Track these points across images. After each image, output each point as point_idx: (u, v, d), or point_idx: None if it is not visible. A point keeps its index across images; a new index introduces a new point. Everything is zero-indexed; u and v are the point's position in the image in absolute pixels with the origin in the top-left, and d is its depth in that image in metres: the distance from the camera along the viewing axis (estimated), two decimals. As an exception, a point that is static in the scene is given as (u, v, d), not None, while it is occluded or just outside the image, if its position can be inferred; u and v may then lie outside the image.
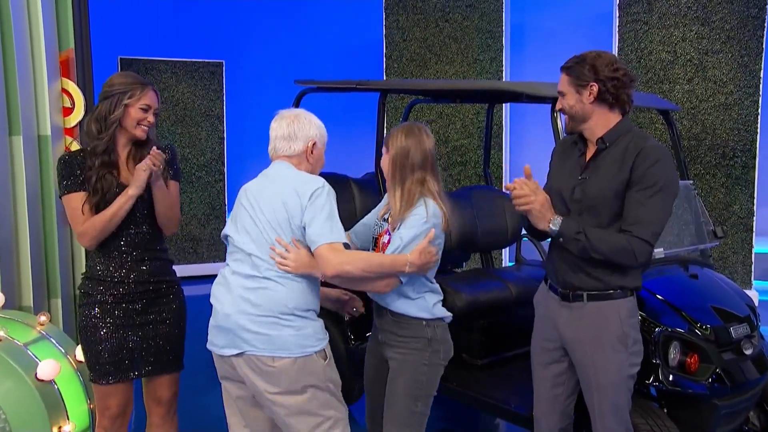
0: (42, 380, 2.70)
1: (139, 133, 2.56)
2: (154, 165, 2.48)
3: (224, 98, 8.14)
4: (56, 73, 3.50)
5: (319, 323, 2.45)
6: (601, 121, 2.41)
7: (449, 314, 2.63)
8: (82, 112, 3.56)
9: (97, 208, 2.50)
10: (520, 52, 8.22)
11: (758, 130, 6.40)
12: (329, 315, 2.88)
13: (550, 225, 2.34)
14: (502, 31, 7.23)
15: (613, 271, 2.39)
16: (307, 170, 2.54)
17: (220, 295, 2.46)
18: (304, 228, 2.37)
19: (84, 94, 3.59)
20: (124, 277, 2.57)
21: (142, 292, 2.60)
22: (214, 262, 8.21)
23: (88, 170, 2.51)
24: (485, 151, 4.92)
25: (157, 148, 2.56)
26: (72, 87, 3.56)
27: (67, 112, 3.58)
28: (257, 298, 2.35)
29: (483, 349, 3.65)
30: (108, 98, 2.51)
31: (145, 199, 2.56)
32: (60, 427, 2.71)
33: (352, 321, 4.06)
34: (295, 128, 2.51)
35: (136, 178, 2.48)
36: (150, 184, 2.53)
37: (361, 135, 3.21)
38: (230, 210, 9.70)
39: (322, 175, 2.55)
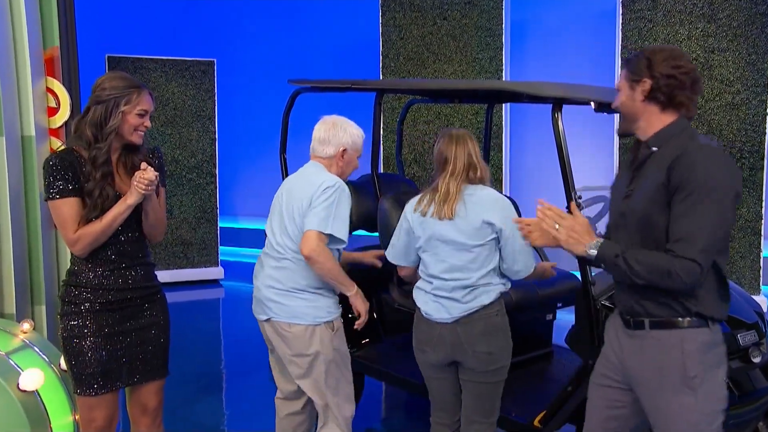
0: (24, 391, 2.67)
1: (137, 139, 2.53)
2: (149, 186, 2.43)
3: (216, 98, 8.10)
4: (40, 72, 3.49)
5: (331, 299, 2.98)
6: (652, 123, 2.19)
7: (421, 308, 2.90)
8: (68, 112, 3.55)
9: (93, 219, 2.46)
10: (520, 51, 8.22)
11: (766, 131, 6.40)
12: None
13: (587, 250, 2.12)
14: (502, 29, 7.23)
15: (675, 297, 2.11)
16: (336, 172, 2.99)
17: (257, 273, 3.06)
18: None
19: (70, 94, 3.58)
20: (113, 284, 2.55)
21: (129, 299, 2.58)
22: (205, 266, 8.18)
23: (87, 181, 2.46)
24: (485, 152, 4.91)
25: (146, 152, 2.59)
26: (57, 86, 3.54)
27: (52, 112, 3.57)
28: (279, 275, 2.93)
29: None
30: (102, 103, 2.46)
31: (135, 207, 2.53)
32: (43, 439, 2.69)
33: (351, 328, 4.06)
34: (330, 134, 2.98)
35: (135, 191, 2.44)
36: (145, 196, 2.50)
37: (357, 136, 3.29)
38: (222, 213, 9.66)
39: None
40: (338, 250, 2.98)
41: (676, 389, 2.11)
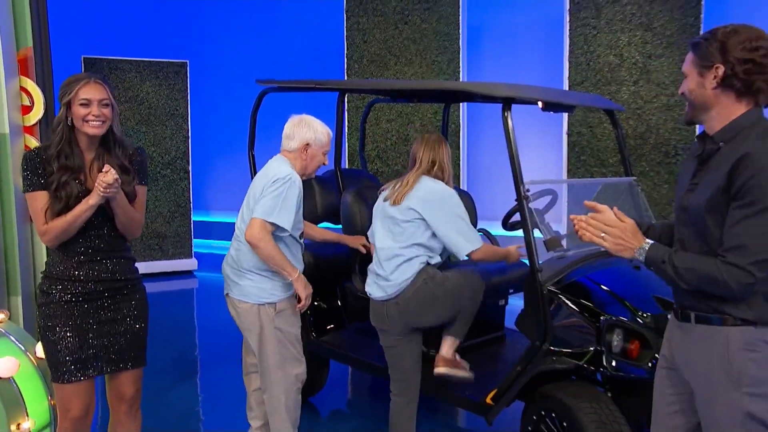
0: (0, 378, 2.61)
1: (89, 129, 2.43)
2: (108, 189, 2.36)
3: (189, 98, 8.01)
4: (14, 72, 3.40)
5: (277, 283, 3.00)
6: (723, 114, 1.90)
7: (366, 289, 3.22)
8: (42, 110, 3.46)
9: (60, 213, 2.41)
10: (477, 54, 8.27)
11: (696, 130, 6.55)
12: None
13: (636, 255, 1.95)
14: (459, 34, 7.26)
15: (723, 300, 1.90)
16: (301, 165, 3.05)
17: None
18: None
19: (44, 93, 3.49)
20: (83, 276, 2.48)
21: (102, 290, 2.52)
22: (179, 258, 8.08)
23: (49, 176, 2.42)
24: (442, 149, 4.94)
25: (130, 150, 2.55)
26: (31, 85, 3.46)
27: (27, 110, 3.48)
28: (235, 255, 3.04)
29: (437, 339, 3.65)
30: (61, 103, 2.45)
31: (98, 209, 2.46)
32: (19, 425, 2.63)
33: (316, 315, 4.05)
34: (295, 130, 3.04)
35: (96, 192, 2.38)
36: (108, 198, 2.43)
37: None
38: (195, 207, 9.58)
39: None
40: (292, 235, 3.02)
41: (720, 383, 1.89)
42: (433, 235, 3.06)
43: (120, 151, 2.53)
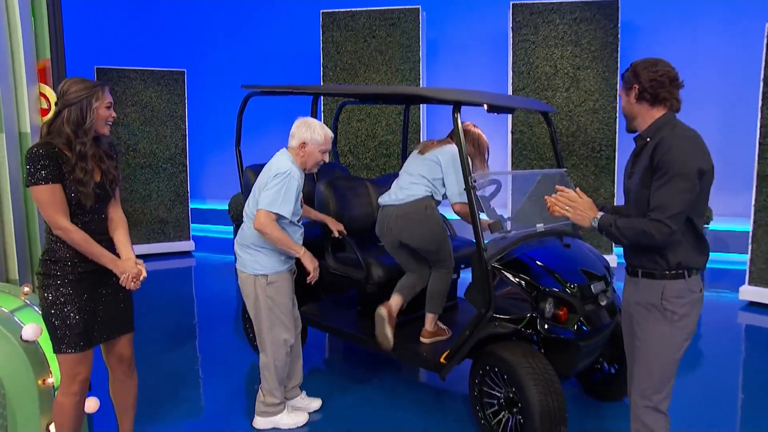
0: (26, 341, 2.62)
1: (106, 130, 2.41)
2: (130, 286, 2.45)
3: (186, 101, 7.93)
4: (34, 79, 3.36)
5: (271, 258, 3.03)
6: (646, 118, 2.26)
7: (379, 201, 3.59)
8: (58, 113, 3.43)
9: (70, 203, 2.33)
10: (434, 63, 8.33)
11: (617, 131, 6.74)
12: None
13: (591, 223, 2.26)
14: (419, 46, 7.31)
15: (659, 253, 2.22)
16: (300, 161, 3.05)
17: None
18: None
19: (59, 97, 3.46)
20: (84, 258, 2.41)
21: (99, 268, 2.45)
22: (179, 240, 8.03)
23: (68, 171, 2.30)
24: (403, 145, 4.99)
25: (110, 146, 2.51)
26: (48, 91, 3.42)
27: (45, 112, 3.45)
28: (241, 232, 3.10)
29: (400, 310, 3.72)
30: (73, 104, 2.30)
31: (104, 194, 2.43)
32: (44, 380, 2.64)
33: (295, 288, 4.09)
34: (297, 130, 3.04)
35: (122, 279, 2.42)
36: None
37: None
38: (192, 196, 9.50)
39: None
40: (291, 221, 3.03)
41: (657, 321, 2.23)
42: (441, 180, 3.42)
43: (103, 143, 2.49)
